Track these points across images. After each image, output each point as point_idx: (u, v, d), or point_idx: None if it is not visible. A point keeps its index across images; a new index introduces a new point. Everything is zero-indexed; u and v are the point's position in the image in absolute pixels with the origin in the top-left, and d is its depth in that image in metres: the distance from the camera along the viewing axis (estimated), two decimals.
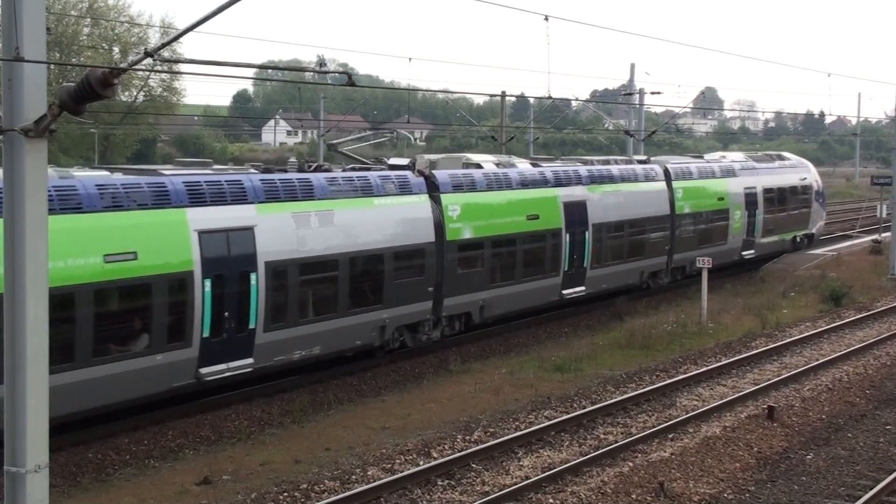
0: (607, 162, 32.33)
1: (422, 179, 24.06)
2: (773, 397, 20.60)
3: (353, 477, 15.51)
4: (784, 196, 40.96)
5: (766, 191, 39.16)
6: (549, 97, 26.34)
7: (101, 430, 17.83)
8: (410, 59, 46.30)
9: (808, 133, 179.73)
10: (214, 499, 14.93)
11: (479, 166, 26.65)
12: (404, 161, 25.33)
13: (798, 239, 42.53)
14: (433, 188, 24.26)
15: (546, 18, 22.03)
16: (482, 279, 25.35)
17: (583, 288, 28.95)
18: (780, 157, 43.73)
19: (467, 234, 24.84)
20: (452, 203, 24.52)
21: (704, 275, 29.08)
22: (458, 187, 24.98)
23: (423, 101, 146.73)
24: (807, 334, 26.98)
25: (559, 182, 28.45)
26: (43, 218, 8.64)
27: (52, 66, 56.61)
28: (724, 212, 36.40)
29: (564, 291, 28.31)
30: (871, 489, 15.70)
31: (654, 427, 18.26)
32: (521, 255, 26.57)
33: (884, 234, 46.29)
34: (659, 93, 49.38)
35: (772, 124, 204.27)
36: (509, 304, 26.42)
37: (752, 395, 20.71)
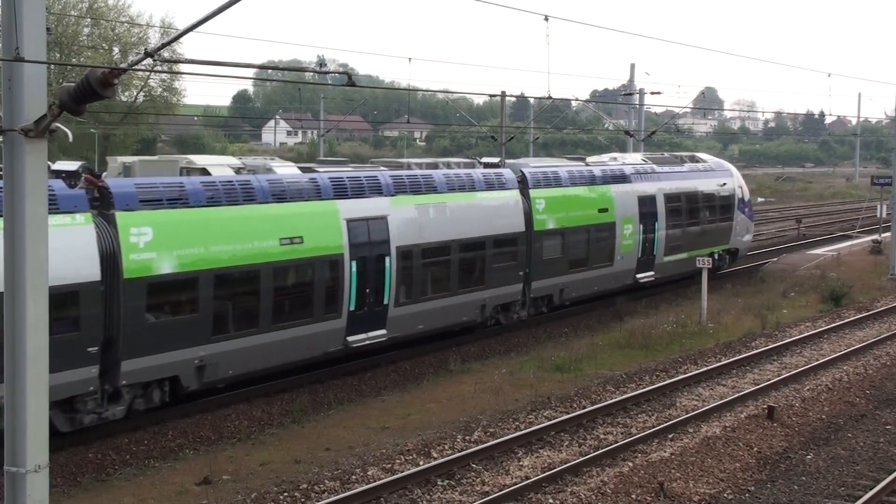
0: (434, 166, 26.00)
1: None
2: (773, 397, 20.60)
3: (353, 477, 15.51)
4: (696, 205, 35.12)
5: (671, 199, 33.47)
6: (549, 97, 26.41)
7: (101, 430, 17.82)
8: (410, 59, 46.27)
9: (808, 133, 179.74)
10: (214, 499, 14.93)
11: (204, 172, 20.16)
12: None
13: (717, 256, 36.02)
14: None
15: (546, 18, 22.05)
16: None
17: (383, 332, 22.56)
18: (694, 159, 37.39)
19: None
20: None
21: (704, 275, 29.08)
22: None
23: (423, 102, 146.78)
24: (807, 334, 26.98)
25: (342, 192, 21.85)
26: (43, 218, 8.64)
27: (52, 66, 56.60)
28: (608, 226, 30.21)
29: (350, 338, 21.76)
30: (871, 489, 15.71)
31: (654, 427, 18.26)
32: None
33: (884, 235, 46.30)
34: (659, 93, 49.37)
35: (772, 124, 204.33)
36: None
37: (752, 395, 20.71)
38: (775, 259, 43.14)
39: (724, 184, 37.21)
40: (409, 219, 23.41)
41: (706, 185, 36.11)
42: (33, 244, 8.56)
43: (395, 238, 22.89)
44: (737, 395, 20.50)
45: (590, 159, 33.86)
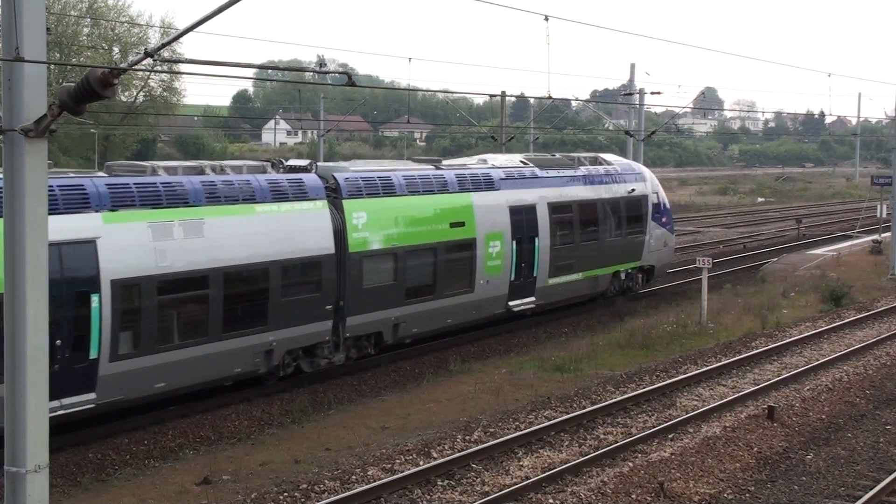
0: (199, 170, 19.92)
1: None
2: (773, 397, 20.60)
3: (353, 477, 15.51)
4: (594, 216, 29.78)
5: (558, 209, 28.11)
6: (549, 97, 26.32)
7: (101, 430, 17.83)
8: (410, 59, 46.25)
9: (808, 133, 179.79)
10: (214, 499, 14.93)
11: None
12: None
13: (626, 275, 31.48)
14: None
15: (546, 18, 22.02)
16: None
17: (93, 395, 16.94)
18: (596, 161, 31.41)
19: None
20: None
21: (704, 275, 29.07)
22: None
23: (423, 101, 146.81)
24: (807, 334, 26.98)
25: None
26: (43, 218, 8.64)
27: (52, 66, 56.60)
28: (465, 244, 24.72)
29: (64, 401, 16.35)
30: (871, 489, 15.71)
31: (654, 427, 18.26)
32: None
33: (884, 235, 46.30)
34: (659, 93, 49.32)
35: (772, 124, 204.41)
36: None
37: (752, 395, 20.71)
38: (775, 259, 43.15)
39: (633, 190, 31.64)
40: (135, 242, 17.60)
41: (609, 191, 30.58)
42: (33, 244, 8.56)
43: (109, 268, 17.10)
44: (737, 395, 20.49)
45: (450, 161, 29.39)
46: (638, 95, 48.69)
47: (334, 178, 22.09)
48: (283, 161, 22.51)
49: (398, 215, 23.15)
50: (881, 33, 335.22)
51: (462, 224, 24.77)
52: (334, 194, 21.85)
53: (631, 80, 54.63)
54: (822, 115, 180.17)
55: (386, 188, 23.13)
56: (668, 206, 33.91)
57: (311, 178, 21.51)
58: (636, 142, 44.43)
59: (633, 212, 31.56)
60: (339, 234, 21.51)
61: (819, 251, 45.19)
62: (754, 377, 22.47)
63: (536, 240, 27.18)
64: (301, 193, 20.95)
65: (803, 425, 19.17)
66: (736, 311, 30.59)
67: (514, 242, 26.25)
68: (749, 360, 23.92)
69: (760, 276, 38.27)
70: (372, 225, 22.32)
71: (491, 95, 44.35)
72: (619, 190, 31.05)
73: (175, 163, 20.86)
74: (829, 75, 54.43)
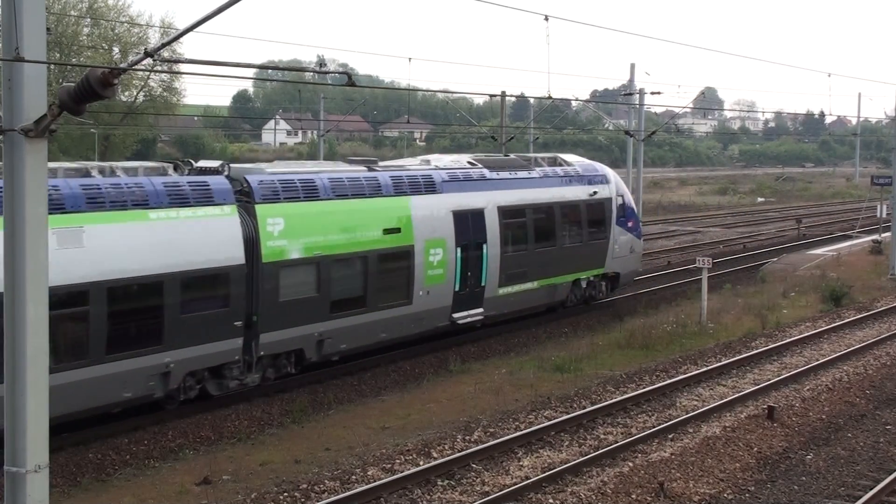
0: (85, 173, 17.85)
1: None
2: (773, 397, 20.60)
3: (353, 477, 15.51)
4: (551, 221, 27.97)
5: (510, 213, 26.26)
6: (549, 97, 26.31)
7: (102, 430, 17.82)
8: (410, 59, 46.26)
9: (808, 133, 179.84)
10: (214, 499, 14.93)
11: None
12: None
13: (587, 283, 29.69)
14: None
15: (546, 18, 22.03)
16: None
17: None
18: (555, 162, 29.77)
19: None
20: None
21: (704, 275, 29.07)
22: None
23: (423, 101, 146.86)
24: (807, 334, 26.98)
25: None
26: (43, 218, 8.63)
27: (52, 66, 56.60)
28: (400, 252, 22.86)
29: None
30: (871, 489, 15.71)
31: (654, 427, 18.26)
32: None
33: (884, 234, 46.30)
34: (659, 93, 49.29)
35: (772, 124, 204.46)
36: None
37: (752, 395, 20.71)
38: (775, 259, 43.14)
39: (595, 193, 29.75)
40: None
41: (569, 194, 28.74)
42: (33, 244, 8.56)
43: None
44: (737, 395, 20.50)
45: (389, 162, 27.39)
46: (638, 95, 48.67)
47: (246, 181, 20.02)
48: (192, 162, 20.40)
49: (322, 221, 21.10)
50: (881, 33, 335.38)
51: (398, 230, 22.82)
52: (246, 198, 19.78)
53: (631, 80, 54.63)
54: (822, 115, 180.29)
55: (308, 191, 21.09)
56: (634, 209, 32.18)
57: (217, 181, 19.31)
58: (636, 142, 44.42)
59: (594, 216, 29.71)
60: (251, 242, 19.46)
61: (819, 251, 45.19)
62: (754, 377, 22.46)
63: (485, 246, 25.24)
64: (205, 198, 18.80)
65: (803, 425, 19.17)
66: (736, 311, 30.58)
67: (459, 250, 24.37)
68: (749, 360, 23.92)
69: (760, 276, 38.26)
70: (290, 232, 20.31)
71: (491, 95, 44.37)
72: (579, 192, 29.19)
73: (55, 164, 17.27)
74: (829, 75, 54.52)
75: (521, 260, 26.68)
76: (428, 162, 26.13)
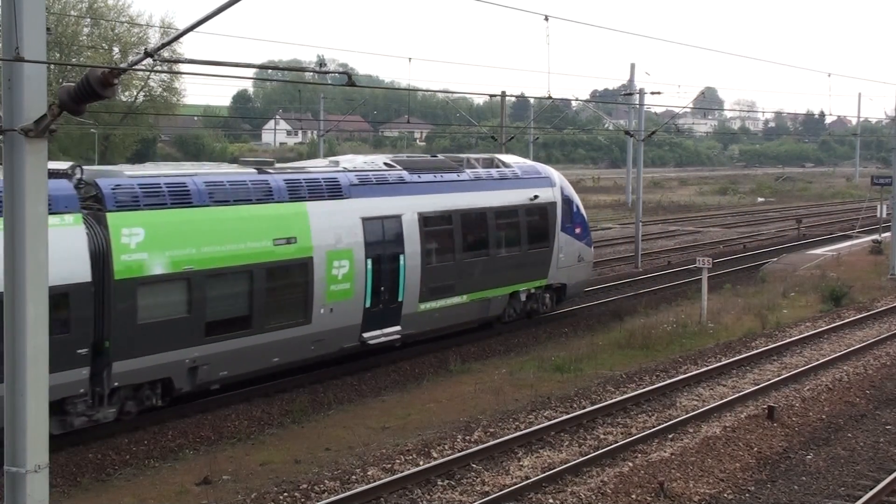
0: None
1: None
2: (773, 397, 20.60)
3: (353, 477, 15.51)
4: (482, 228, 25.41)
5: (433, 220, 23.84)
6: (549, 97, 26.28)
7: (102, 430, 17.82)
8: (410, 59, 46.25)
9: (808, 133, 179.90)
10: (214, 499, 14.93)
11: None
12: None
13: (528, 295, 27.22)
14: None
15: (546, 18, 22.01)
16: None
17: None
18: (491, 164, 27.10)
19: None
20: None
21: (704, 275, 29.07)
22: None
23: (423, 101, 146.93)
24: (807, 334, 26.98)
25: None
26: (43, 218, 8.64)
27: (52, 66, 56.61)
28: (297, 264, 20.31)
29: None
30: (871, 489, 15.71)
31: (654, 427, 18.26)
32: None
33: (884, 234, 46.31)
34: (659, 93, 49.33)
35: (772, 124, 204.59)
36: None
37: (752, 395, 20.71)
38: (775, 259, 43.15)
39: (536, 196, 27.22)
40: None
41: (504, 198, 26.22)
42: (33, 244, 8.56)
43: None
44: (737, 395, 20.49)
45: (291, 164, 25.45)
46: (638, 95, 48.71)
47: (97, 186, 17.35)
48: (82, 168, 17.93)
49: (195, 231, 18.40)
50: (881, 33, 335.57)
51: (292, 240, 20.13)
52: (98, 205, 17.22)
53: (631, 80, 54.64)
54: (822, 115, 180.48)
55: (177, 197, 18.32)
56: (584, 214, 29.66)
57: (58, 186, 16.27)
58: (636, 142, 44.42)
59: (535, 222, 27.16)
60: (100, 256, 16.91)
61: (819, 251, 45.20)
62: (754, 377, 22.46)
63: (402, 257, 22.71)
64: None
65: (803, 425, 19.17)
66: (736, 311, 30.58)
67: (371, 261, 21.83)
68: (749, 360, 23.92)
69: (760, 276, 38.26)
70: (152, 244, 17.61)
71: (491, 95, 44.34)
72: (516, 196, 26.63)
73: None
74: (829, 75, 54.51)
75: (446, 272, 24.11)
76: (337, 163, 23.46)
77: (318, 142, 67.50)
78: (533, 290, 27.42)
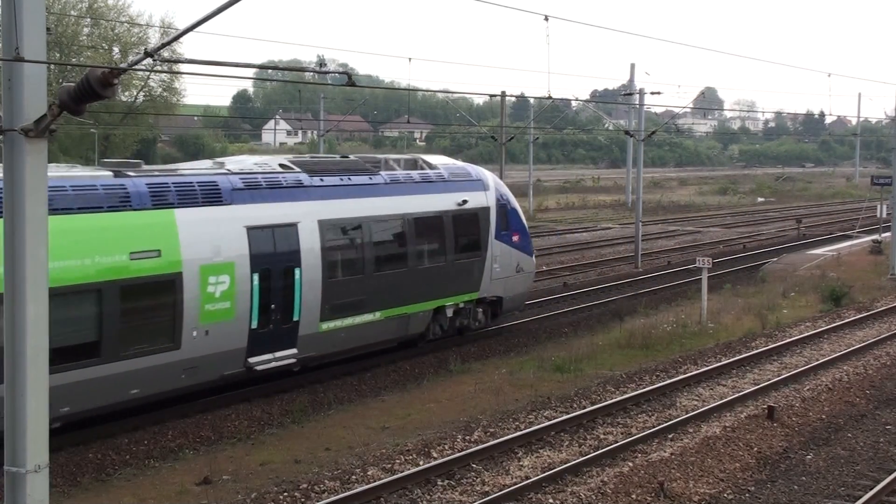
0: None
1: None
2: (773, 397, 20.60)
3: (353, 477, 15.51)
4: (399, 236, 23.10)
5: (336, 228, 21.38)
6: (549, 97, 26.28)
7: (101, 430, 17.82)
8: (410, 59, 46.28)
9: (808, 133, 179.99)
10: (214, 499, 14.93)
11: None
12: None
13: (456, 311, 24.84)
14: None
15: (546, 18, 22.01)
16: None
17: None
18: (415, 165, 24.70)
19: None
20: None
21: (704, 275, 29.07)
22: None
23: (423, 102, 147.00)
24: (807, 334, 26.98)
25: None
26: (43, 218, 8.64)
27: (52, 66, 56.61)
28: (162, 281, 17.74)
29: None
30: (871, 489, 15.71)
31: (654, 427, 18.26)
32: None
33: (884, 234, 46.31)
34: (659, 93, 49.36)
35: (772, 124, 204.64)
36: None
37: (752, 395, 20.71)
38: (775, 259, 43.15)
39: (465, 201, 24.89)
40: None
41: (427, 203, 23.90)
42: (33, 244, 8.56)
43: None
44: (737, 395, 20.49)
45: (170, 166, 23.00)
46: (638, 95, 48.70)
47: None
48: None
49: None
50: (881, 33, 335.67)
51: (156, 253, 17.56)
52: None
53: (631, 80, 54.65)
54: (822, 115, 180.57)
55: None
56: (523, 221, 27.44)
57: None
58: (636, 142, 44.43)
59: (465, 229, 24.84)
60: None
61: (819, 251, 45.20)
62: (754, 377, 22.46)
63: (298, 271, 20.29)
64: None
65: (803, 425, 19.17)
66: (736, 311, 30.58)
67: (258, 276, 19.30)
68: (749, 360, 23.92)
69: (760, 276, 38.27)
70: None
71: (491, 95, 44.36)
72: (442, 201, 24.30)
73: None
74: (829, 75, 54.54)
75: (354, 286, 21.70)
76: (222, 165, 20.90)
77: (318, 142, 67.49)
78: (462, 305, 25.01)
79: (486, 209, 25.66)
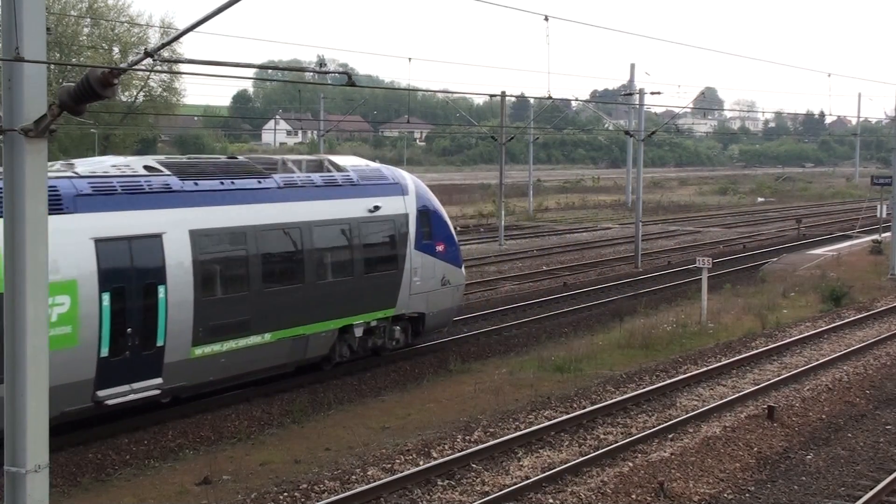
0: None
1: None
2: (773, 397, 20.60)
3: (353, 477, 15.51)
4: (295, 247, 20.47)
5: (212, 239, 18.80)
6: (549, 97, 26.27)
7: (101, 430, 17.83)
8: (410, 59, 46.26)
9: (808, 133, 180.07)
10: (214, 499, 14.93)
11: None
12: None
13: (367, 329, 22.28)
14: None
15: (546, 18, 22.00)
16: None
17: None
18: (320, 167, 22.32)
19: None
20: None
21: (704, 275, 29.07)
22: None
23: (422, 101, 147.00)
24: (807, 334, 26.98)
25: None
26: (43, 218, 8.64)
27: (52, 66, 56.61)
28: None
29: None
30: (871, 489, 15.70)
31: (654, 427, 18.26)
32: None
33: (884, 234, 46.31)
34: (659, 93, 49.36)
35: (772, 124, 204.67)
36: None
37: (752, 395, 20.71)
38: (775, 259, 43.16)
39: (378, 207, 22.33)
40: None
41: (332, 210, 21.44)
42: (33, 244, 8.56)
43: None
44: (737, 395, 20.49)
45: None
46: (638, 95, 48.71)
47: None
48: None
49: None
50: (881, 33, 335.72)
51: None
52: None
53: (631, 80, 54.66)
54: (822, 115, 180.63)
55: None
56: (450, 228, 24.94)
57: None
58: (636, 142, 44.43)
59: (377, 238, 22.47)
60: None
61: (819, 251, 45.20)
62: (754, 377, 22.47)
63: (163, 289, 17.73)
64: None
65: (803, 425, 19.17)
66: (736, 311, 30.59)
67: (110, 296, 16.80)
68: (749, 360, 23.92)
69: (760, 276, 38.28)
70: None
71: (491, 95, 44.37)
72: (349, 208, 21.90)
73: None
74: (829, 75, 54.57)
75: (237, 305, 19.20)
76: (71, 166, 18.19)
77: (318, 142, 67.50)
78: (375, 323, 22.45)
79: (404, 216, 23.13)
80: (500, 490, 14.99)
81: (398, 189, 23.35)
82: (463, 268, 25.49)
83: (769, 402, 19.86)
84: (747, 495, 15.60)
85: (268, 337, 19.73)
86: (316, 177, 21.72)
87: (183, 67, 42.91)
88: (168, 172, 18.85)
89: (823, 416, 19.86)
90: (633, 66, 54.87)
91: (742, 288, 35.70)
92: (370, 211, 22.24)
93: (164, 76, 73.87)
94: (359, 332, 22.17)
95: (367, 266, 22.06)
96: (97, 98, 8.16)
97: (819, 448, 18.06)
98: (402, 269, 22.95)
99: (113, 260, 17.00)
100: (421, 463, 16.10)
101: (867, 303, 32.64)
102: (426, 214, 23.85)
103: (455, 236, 25.34)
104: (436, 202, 24.62)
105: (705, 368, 22.81)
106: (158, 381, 17.87)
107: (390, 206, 22.87)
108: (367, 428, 18.70)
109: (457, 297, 25.18)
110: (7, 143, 8.46)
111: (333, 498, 14.45)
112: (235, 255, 19.30)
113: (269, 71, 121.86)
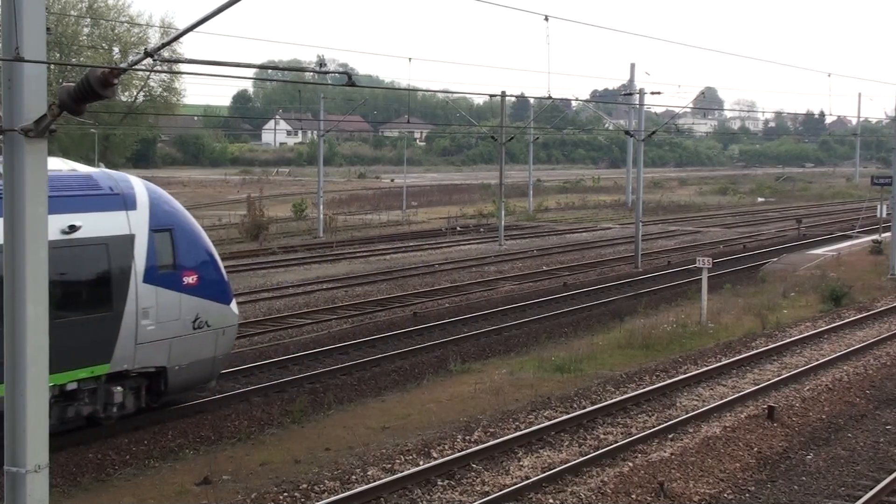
0: None
1: None
2: (773, 397, 20.60)
3: (353, 477, 15.51)
4: None
5: None
6: (549, 97, 26.29)
7: (102, 430, 17.82)
8: (410, 59, 46.27)
9: (808, 133, 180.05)
10: (214, 499, 14.93)
11: None
12: None
13: (65, 394, 16.63)
14: None
15: (546, 18, 22.02)
16: None
17: None
18: None
19: None
20: None
21: (704, 275, 29.06)
22: None
23: (423, 101, 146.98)
24: (807, 334, 26.97)
25: None
26: (43, 218, 8.64)
27: (52, 66, 56.62)
28: None
29: None
30: (871, 489, 15.70)
31: (654, 427, 18.25)
32: None
33: (884, 234, 46.31)
34: (659, 93, 49.37)
35: (772, 124, 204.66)
36: None
37: (752, 395, 20.71)
38: (775, 259, 43.15)
39: (76, 227, 16.55)
40: None
41: None
42: (33, 244, 8.56)
43: None
44: (737, 395, 20.49)
45: None
46: (638, 95, 48.70)
47: None
48: None
49: None
50: (881, 33, 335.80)
51: None
52: None
53: (631, 80, 54.66)
54: (822, 115, 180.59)
55: None
56: (209, 252, 19.27)
57: None
58: (636, 142, 44.42)
59: (74, 269, 16.73)
60: None
61: (819, 251, 45.19)
62: (754, 377, 22.46)
63: None
64: None
65: (803, 425, 19.17)
66: (736, 311, 30.58)
67: None
68: (749, 360, 23.91)
69: (760, 276, 38.27)
70: None
71: (491, 95, 44.37)
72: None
73: None
74: (829, 75, 54.55)
75: None
76: None
77: (318, 142, 67.50)
78: (76, 385, 16.86)
79: (127, 238, 17.54)
80: (501, 490, 14.99)
81: (117, 202, 17.62)
82: (234, 304, 19.97)
83: (769, 402, 19.86)
84: (747, 495, 15.59)
85: None
86: None
87: (183, 67, 42.90)
88: None
89: (823, 416, 19.86)
90: (633, 65, 54.88)
91: (742, 288, 35.70)
92: (63, 232, 16.44)
93: (164, 76, 73.90)
94: (51, 397, 15.49)
95: (59, 308, 15.73)
96: (97, 98, 8.16)
97: (819, 448, 18.05)
98: (122, 311, 17.32)
99: None
100: (421, 463, 16.09)
101: (867, 303, 32.63)
102: (167, 235, 18.26)
103: (219, 262, 19.58)
104: (185, 218, 19.04)
105: (705, 368, 22.81)
106: None
107: (100, 225, 17.18)
108: (367, 428, 18.70)
109: (222, 342, 19.37)
110: (7, 143, 8.46)
111: (333, 498, 14.45)
112: None
113: (269, 71, 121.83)
